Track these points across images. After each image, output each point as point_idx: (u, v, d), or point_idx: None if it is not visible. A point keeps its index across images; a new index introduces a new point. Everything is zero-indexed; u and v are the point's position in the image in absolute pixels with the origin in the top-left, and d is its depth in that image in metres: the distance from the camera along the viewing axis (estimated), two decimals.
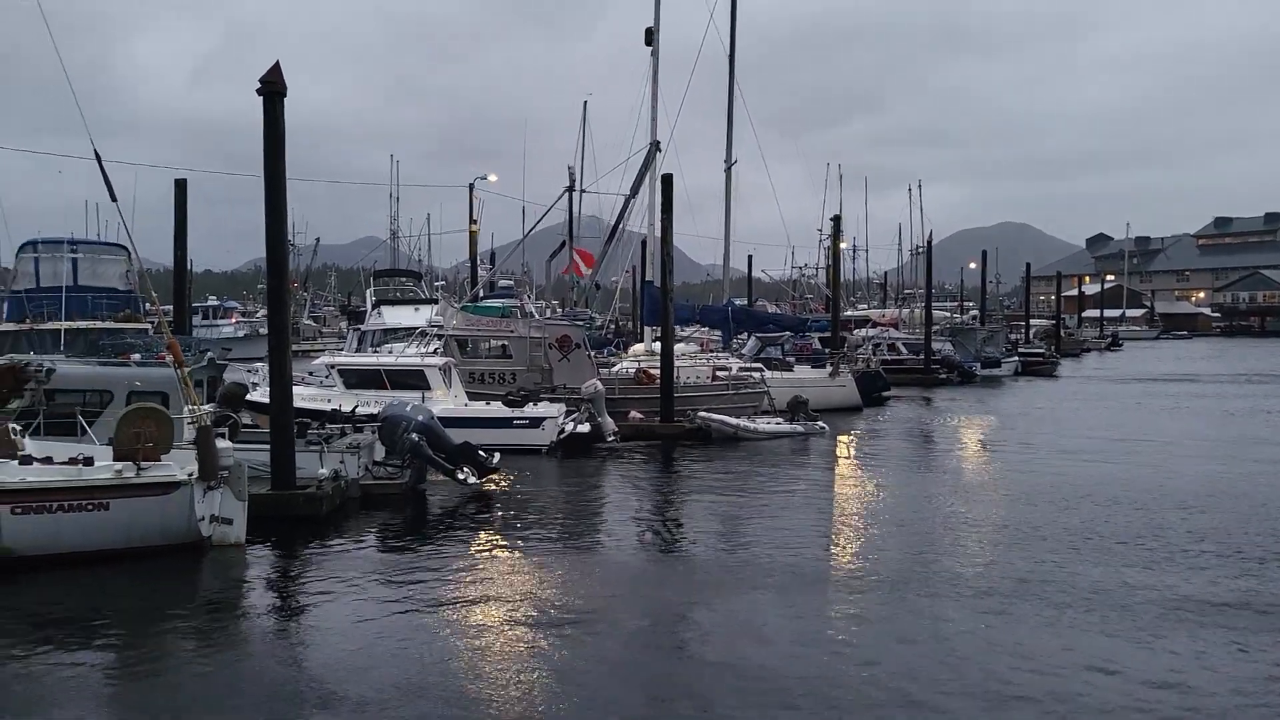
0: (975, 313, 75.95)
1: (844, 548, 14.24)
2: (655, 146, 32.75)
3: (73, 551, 12.10)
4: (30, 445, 13.37)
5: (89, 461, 12.75)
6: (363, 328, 35.90)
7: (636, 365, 29.52)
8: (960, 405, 36.80)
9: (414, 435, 17.33)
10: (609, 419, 24.03)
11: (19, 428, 13.71)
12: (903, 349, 48.44)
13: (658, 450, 23.76)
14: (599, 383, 24.75)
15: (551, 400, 24.26)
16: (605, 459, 22.36)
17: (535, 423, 22.58)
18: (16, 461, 12.57)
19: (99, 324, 22.66)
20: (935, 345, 48.79)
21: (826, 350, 36.45)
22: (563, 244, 49.25)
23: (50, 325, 21.65)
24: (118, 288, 26.40)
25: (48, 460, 12.82)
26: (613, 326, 50.90)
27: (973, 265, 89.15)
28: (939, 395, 40.93)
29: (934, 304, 55.21)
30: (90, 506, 12.22)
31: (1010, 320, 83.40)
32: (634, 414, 26.01)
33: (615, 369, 29.69)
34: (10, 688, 8.64)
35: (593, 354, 28.79)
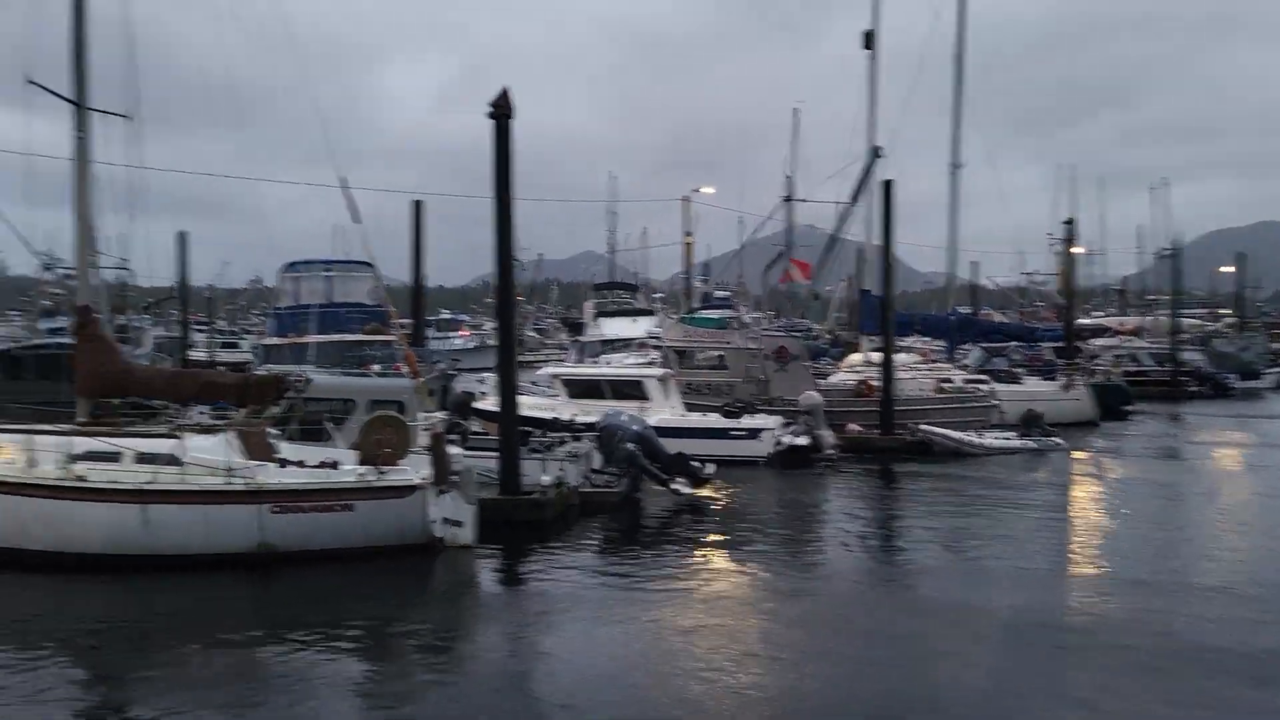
0: (1231, 320, 69.49)
1: (1084, 585, 13.03)
2: (875, 152, 31.89)
3: (322, 549, 13.01)
4: (283, 450, 14.51)
5: (335, 466, 13.71)
6: (582, 339, 36.95)
7: (855, 376, 28.80)
8: (1214, 421, 33.67)
9: (630, 445, 17.58)
10: (828, 431, 23.55)
11: (276, 433, 14.93)
12: (1146, 359, 44.87)
13: (877, 464, 23.07)
14: (817, 394, 24.32)
15: (769, 412, 24.04)
16: (823, 472, 21.91)
17: (752, 434, 22.45)
18: (275, 465, 13.67)
19: (349, 336, 24.45)
20: (1184, 355, 44.92)
21: (1059, 361, 34.31)
22: (780, 254, 48.91)
23: (307, 339, 23.53)
24: (365, 302, 28.41)
25: (300, 464, 13.86)
26: (829, 337, 50.06)
27: (1226, 269, 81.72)
28: (1189, 410, 37.58)
29: (1181, 311, 50.93)
30: (338, 508, 13.11)
31: (1270, 328, 75.78)
32: (853, 426, 25.38)
33: (831, 379, 29.11)
34: (269, 680, 9.37)
35: (810, 365, 28.35)
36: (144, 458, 13.18)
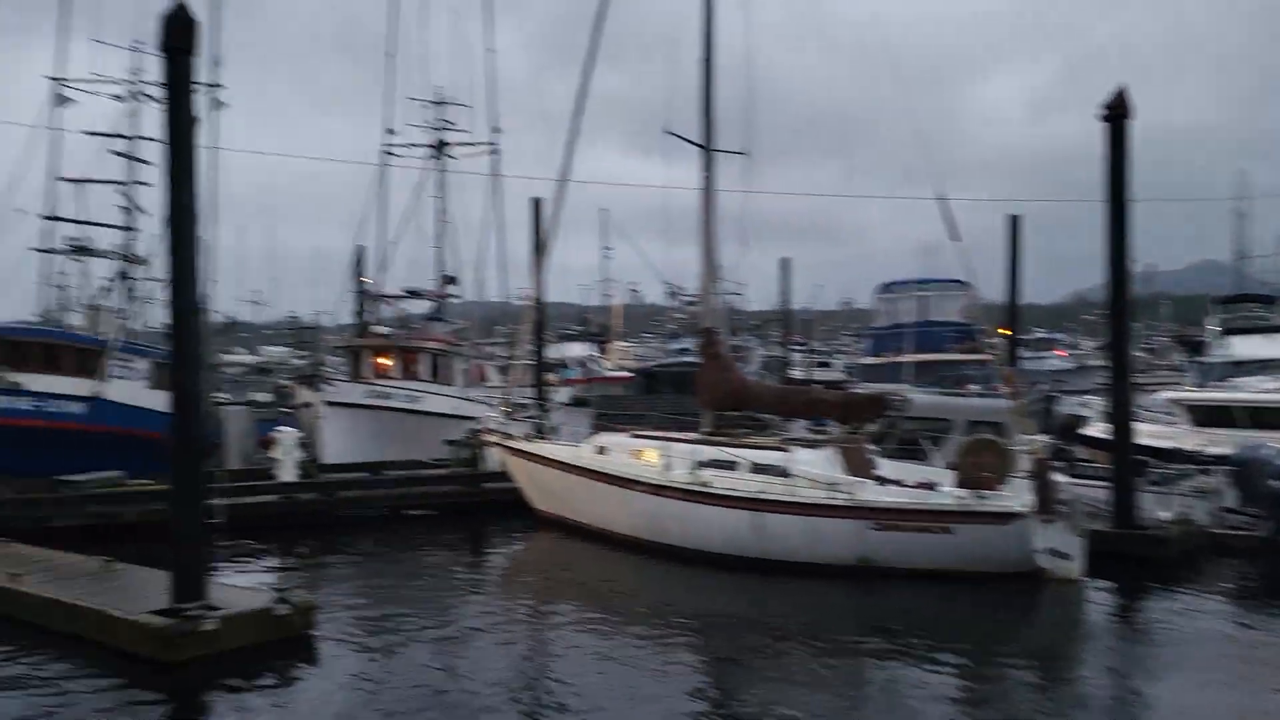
0: None
1: None
2: None
3: (918, 569, 12.99)
4: (882, 467, 14.79)
5: (933, 487, 13.63)
6: (1205, 360, 32.64)
7: None
8: None
9: (1277, 482, 15.09)
10: None
11: (874, 449, 15.30)
12: None
13: None
14: None
15: None
16: None
17: None
18: (874, 482, 13.99)
19: (945, 356, 24.38)
20: None
21: None
22: None
23: (903, 358, 23.95)
24: (959, 321, 28.14)
25: (898, 483, 14.02)
26: None
27: None
28: None
29: None
30: (937, 529, 13.02)
31: None
32: None
33: None
34: (864, 686, 9.62)
35: None
36: (758, 468, 14.34)
